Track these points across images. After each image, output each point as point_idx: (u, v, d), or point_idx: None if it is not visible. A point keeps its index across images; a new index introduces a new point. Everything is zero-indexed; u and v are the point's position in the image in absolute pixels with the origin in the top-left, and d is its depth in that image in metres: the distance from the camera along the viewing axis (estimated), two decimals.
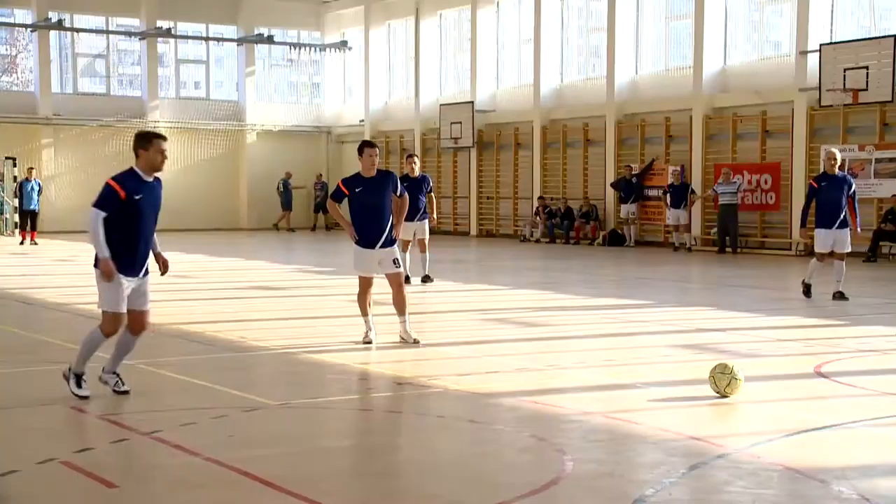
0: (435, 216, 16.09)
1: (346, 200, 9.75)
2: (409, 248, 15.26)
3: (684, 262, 21.66)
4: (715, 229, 23.32)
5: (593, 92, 27.08)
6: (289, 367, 8.92)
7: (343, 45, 35.14)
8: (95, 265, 7.01)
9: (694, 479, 5.50)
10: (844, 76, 20.28)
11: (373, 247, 9.51)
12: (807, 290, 13.54)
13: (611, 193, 25.99)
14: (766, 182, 22.74)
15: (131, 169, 7.07)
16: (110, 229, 6.93)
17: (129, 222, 6.98)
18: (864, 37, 21.49)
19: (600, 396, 7.71)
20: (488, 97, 29.85)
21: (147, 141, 7.06)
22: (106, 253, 6.88)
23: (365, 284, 9.67)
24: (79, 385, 7.10)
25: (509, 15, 29.88)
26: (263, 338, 10.40)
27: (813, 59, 21.40)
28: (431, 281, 15.35)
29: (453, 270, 18.60)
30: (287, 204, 33.33)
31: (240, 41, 34.77)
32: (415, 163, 15.50)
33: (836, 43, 21.11)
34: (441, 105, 30.50)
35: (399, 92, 33.86)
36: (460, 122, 29.27)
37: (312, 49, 36.17)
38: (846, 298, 13.31)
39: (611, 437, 6.49)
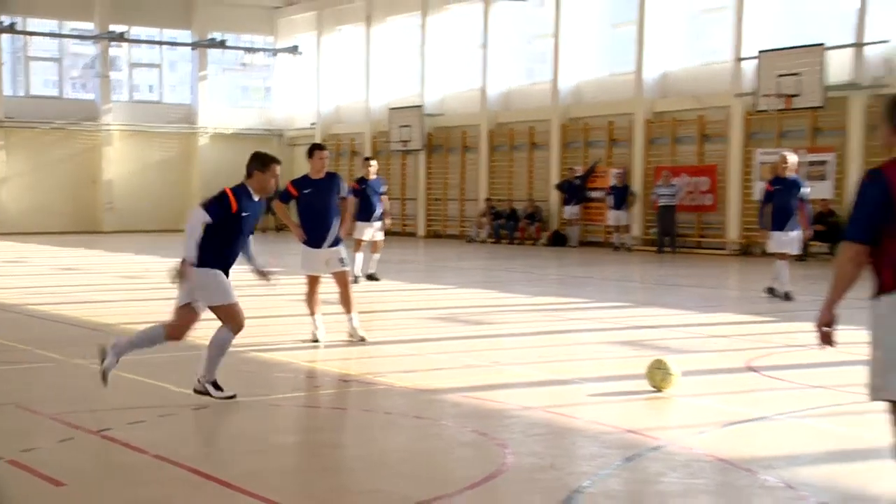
0: (387, 220, 16.11)
1: (292, 201, 9.81)
2: (362, 247, 15.36)
3: (624, 261, 21.92)
4: (654, 229, 23.78)
5: (539, 96, 27.29)
6: (237, 365, 8.81)
7: (294, 49, 35.18)
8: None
9: (629, 470, 5.61)
10: (778, 82, 20.77)
11: (319, 246, 9.53)
12: (786, 296, 13.42)
13: (555, 195, 26.20)
14: (703, 184, 23.19)
15: (244, 185, 7.06)
16: (209, 235, 6.84)
17: (229, 234, 6.95)
18: (796, 44, 21.67)
19: (540, 392, 7.81)
20: (437, 101, 29.96)
21: (264, 164, 7.07)
22: (193, 255, 6.76)
23: (312, 284, 9.66)
24: (218, 388, 6.95)
25: (458, 21, 30.03)
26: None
27: (749, 66, 21.90)
28: (378, 280, 15.39)
29: (400, 270, 18.53)
30: None
31: (193, 45, 34.51)
32: (370, 166, 15.61)
33: (771, 50, 21.50)
34: (390, 109, 30.61)
35: (350, 96, 33.64)
36: (409, 126, 29.54)
37: (265, 54, 36.47)
38: (780, 296, 13.60)
39: (550, 430, 6.57)
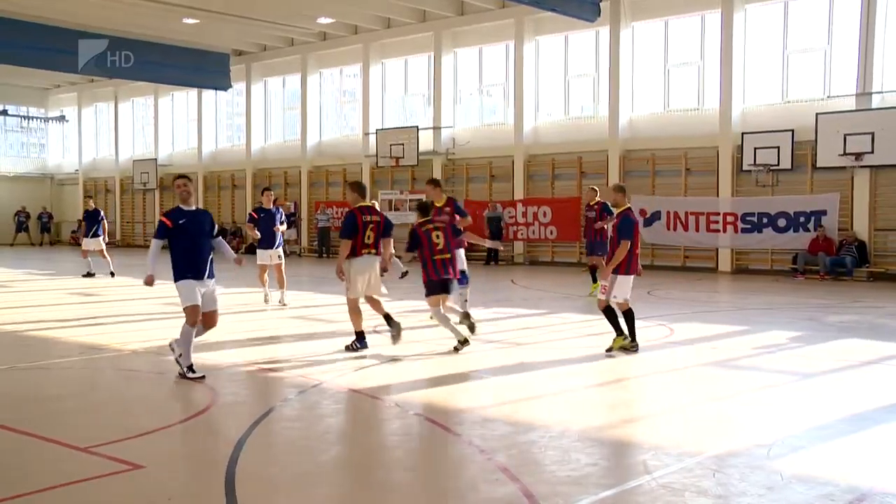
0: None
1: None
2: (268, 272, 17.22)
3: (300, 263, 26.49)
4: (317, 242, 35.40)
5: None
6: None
7: (62, 118, 49.24)
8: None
9: (298, 401, 8.80)
10: (391, 149, 32.65)
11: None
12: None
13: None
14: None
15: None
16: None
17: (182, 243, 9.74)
18: (402, 125, 33.38)
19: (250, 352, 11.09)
20: (167, 155, 44.32)
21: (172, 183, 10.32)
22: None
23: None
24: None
25: (179, 99, 44.33)
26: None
27: (373, 138, 33.94)
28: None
29: None
30: (19, 227, 47.08)
31: None
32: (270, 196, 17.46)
33: (385, 129, 33.60)
34: (134, 160, 44.98)
35: (104, 150, 48.67)
36: (148, 172, 43.53)
37: (39, 120, 50.50)
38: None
39: (252, 379, 10.06)
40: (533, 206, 29.36)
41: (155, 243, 9.84)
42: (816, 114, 24.04)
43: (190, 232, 9.76)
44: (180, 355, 9.86)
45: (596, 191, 19.65)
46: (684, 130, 26.96)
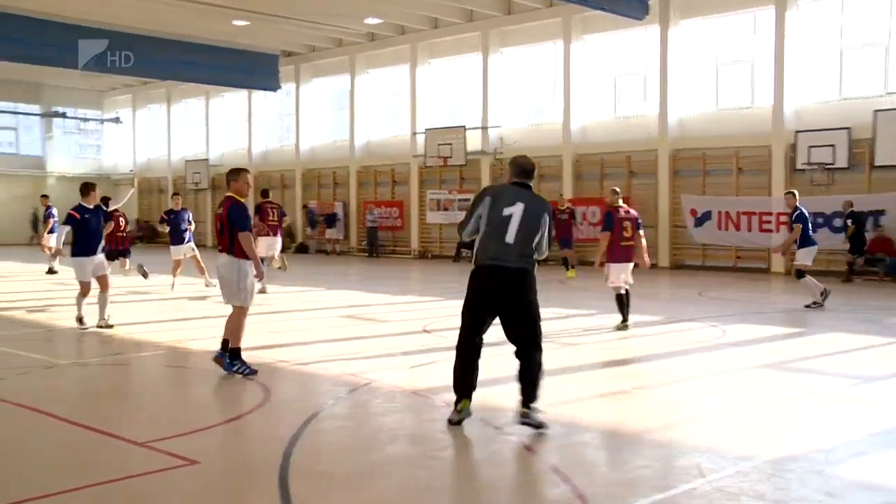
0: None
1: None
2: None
3: (343, 262, 32.94)
4: (365, 241, 36.24)
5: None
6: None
7: (117, 119, 50.71)
8: None
9: (349, 399, 8.86)
10: (439, 149, 33.25)
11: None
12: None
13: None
14: (395, 212, 35.86)
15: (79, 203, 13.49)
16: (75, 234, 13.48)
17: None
18: (450, 125, 33.65)
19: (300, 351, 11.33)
20: (219, 155, 44.53)
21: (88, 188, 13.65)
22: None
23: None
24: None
25: (231, 100, 44.50)
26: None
27: (421, 138, 34.18)
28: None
29: None
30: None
31: (42, 115, 49.41)
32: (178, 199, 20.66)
33: (433, 129, 33.90)
34: (186, 161, 45.69)
35: (157, 151, 49.31)
36: (200, 172, 44.45)
37: (95, 122, 52.58)
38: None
39: (303, 377, 10.16)
40: (582, 207, 29.20)
41: (63, 228, 13.95)
42: (875, 110, 23.63)
43: (91, 222, 13.50)
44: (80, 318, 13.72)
45: (564, 196, 26.33)
46: (736, 129, 26.70)
